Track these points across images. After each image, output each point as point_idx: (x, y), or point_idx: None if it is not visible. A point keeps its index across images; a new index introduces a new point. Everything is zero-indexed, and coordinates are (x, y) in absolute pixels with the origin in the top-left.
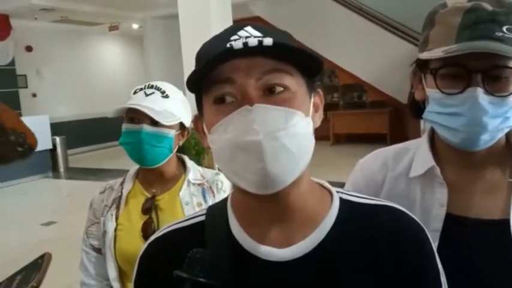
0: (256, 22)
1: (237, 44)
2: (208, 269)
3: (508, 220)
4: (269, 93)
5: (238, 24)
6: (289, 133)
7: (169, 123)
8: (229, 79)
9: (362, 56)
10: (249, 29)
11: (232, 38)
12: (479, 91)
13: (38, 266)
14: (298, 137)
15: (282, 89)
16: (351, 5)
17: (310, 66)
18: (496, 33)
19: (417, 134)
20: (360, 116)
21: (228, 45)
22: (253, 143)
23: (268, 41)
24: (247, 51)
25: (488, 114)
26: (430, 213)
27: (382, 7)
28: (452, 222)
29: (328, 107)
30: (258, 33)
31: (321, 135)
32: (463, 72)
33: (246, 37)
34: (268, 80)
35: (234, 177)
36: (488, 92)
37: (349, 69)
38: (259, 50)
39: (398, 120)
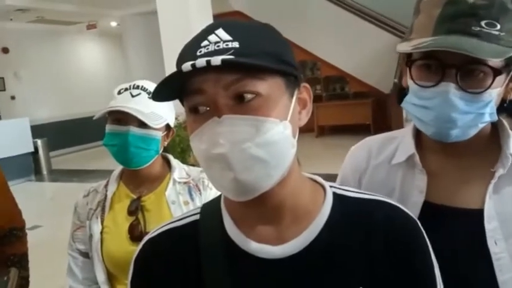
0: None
1: (200, 62)
2: None
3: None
4: (239, 102)
5: (212, 25)
6: (259, 142)
7: (157, 125)
8: (200, 90)
9: (344, 48)
10: (220, 32)
11: (202, 44)
12: (451, 86)
13: (3, 284)
14: (270, 145)
15: (253, 95)
16: None
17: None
18: (473, 28)
19: (400, 123)
20: (343, 107)
21: (197, 53)
22: (220, 155)
23: (228, 59)
24: (210, 68)
25: (458, 110)
26: (409, 200)
27: None
28: (430, 210)
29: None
30: (228, 37)
31: (305, 127)
32: (438, 65)
33: (216, 42)
34: (237, 88)
35: (214, 183)
36: (461, 88)
37: (331, 61)
38: (223, 66)
39: (381, 110)
